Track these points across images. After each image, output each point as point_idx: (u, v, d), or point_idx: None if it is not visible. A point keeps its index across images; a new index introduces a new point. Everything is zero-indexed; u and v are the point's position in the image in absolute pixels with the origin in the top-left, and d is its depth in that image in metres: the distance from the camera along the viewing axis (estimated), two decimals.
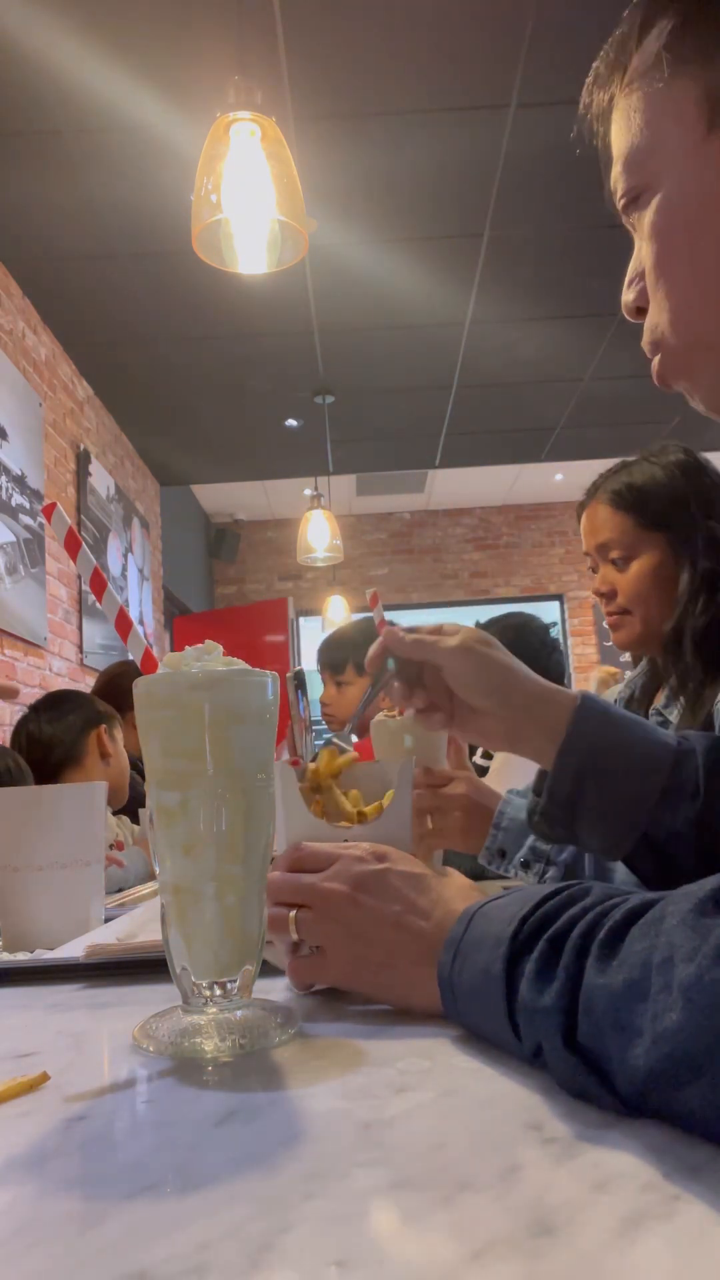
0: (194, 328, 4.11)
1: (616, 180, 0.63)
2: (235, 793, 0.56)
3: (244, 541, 8.23)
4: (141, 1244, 0.32)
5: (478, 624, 3.25)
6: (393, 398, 4.98)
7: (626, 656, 1.69)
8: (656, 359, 0.64)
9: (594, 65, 0.64)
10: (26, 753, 1.93)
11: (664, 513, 1.30)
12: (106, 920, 0.95)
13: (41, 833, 0.91)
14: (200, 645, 0.60)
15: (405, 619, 2.75)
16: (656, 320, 0.62)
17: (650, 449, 1.37)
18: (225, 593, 8.31)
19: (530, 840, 0.99)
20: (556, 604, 8.31)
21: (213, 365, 4.49)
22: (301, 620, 8.29)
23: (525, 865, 0.99)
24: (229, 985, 0.56)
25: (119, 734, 2.13)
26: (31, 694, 3.65)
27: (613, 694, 1.52)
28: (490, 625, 3.18)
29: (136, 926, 0.90)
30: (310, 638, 8.20)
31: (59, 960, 0.78)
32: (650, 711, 1.36)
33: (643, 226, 0.62)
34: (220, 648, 0.60)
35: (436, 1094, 0.45)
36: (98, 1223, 0.34)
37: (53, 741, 2.00)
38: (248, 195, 1.84)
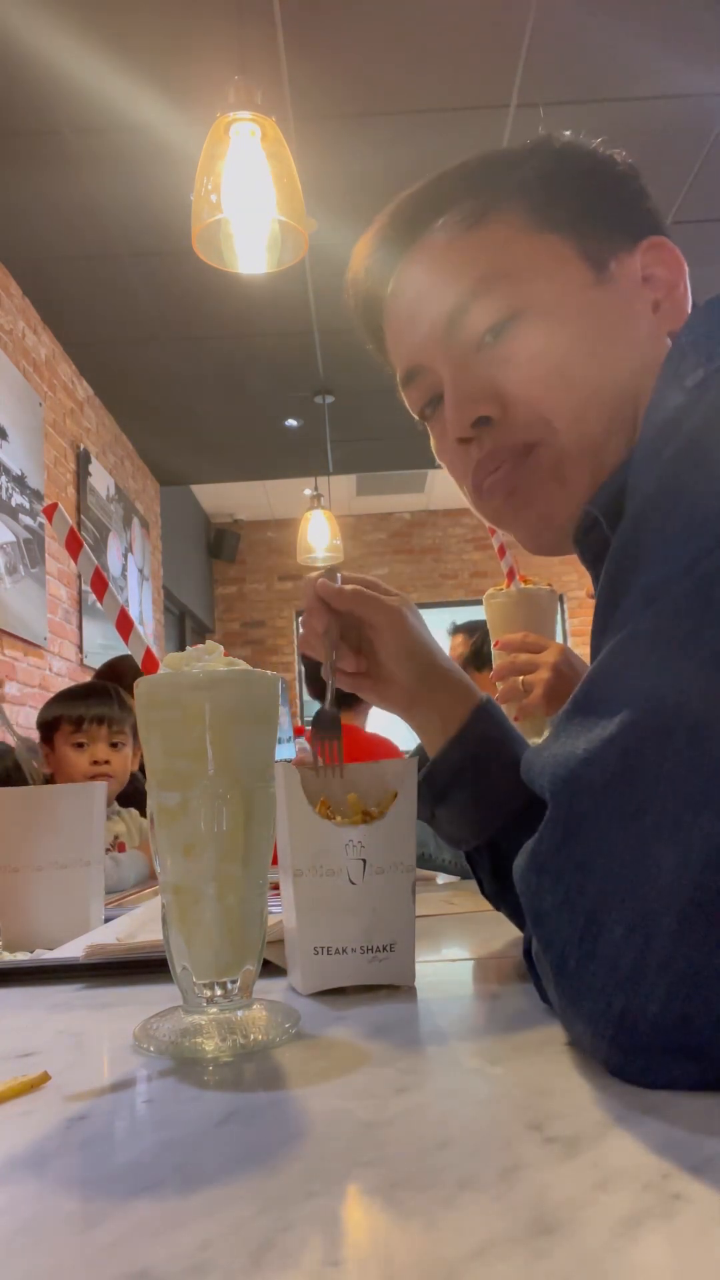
0: (194, 328, 4.11)
1: (465, 306, 0.68)
2: (236, 793, 0.56)
3: (244, 541, 8.23)
4: (142, 1243, 0.32)
5: (454, 626, 3.24)
6: (393, 398, 4.93)
7: None
8: (517, 466, 0.69)
9: (390, 213, 0.75)
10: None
11: None
12: (106, 920, 0.95)
13: (41, 833, 0.91)
14: (201, 645, 0.60)
15: None
16: (542, 418, 0.66)
17: None
18: (225, 593, 8.31)
19: None
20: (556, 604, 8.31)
21: (213, 365, 4.49)
22: (301, 620, 8.29)
23: None
24: (229, 985, 0.56)
25: None
26: (32, 694, 3.65)
27: None
28: (467, 629, 3.17)
29: (136, 926, 0.90)
30: None
31: (59, 960, 0.78)
32: None
33: (511, 343, 0.67)
34: (221, 648, 0.60)
35: (436, 1094, 0.45)
36: (98, 1223, 0.34)
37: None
38: (248, 195, 1.84)
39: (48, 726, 1.94)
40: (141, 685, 0.57)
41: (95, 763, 1.92)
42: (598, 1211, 0.32)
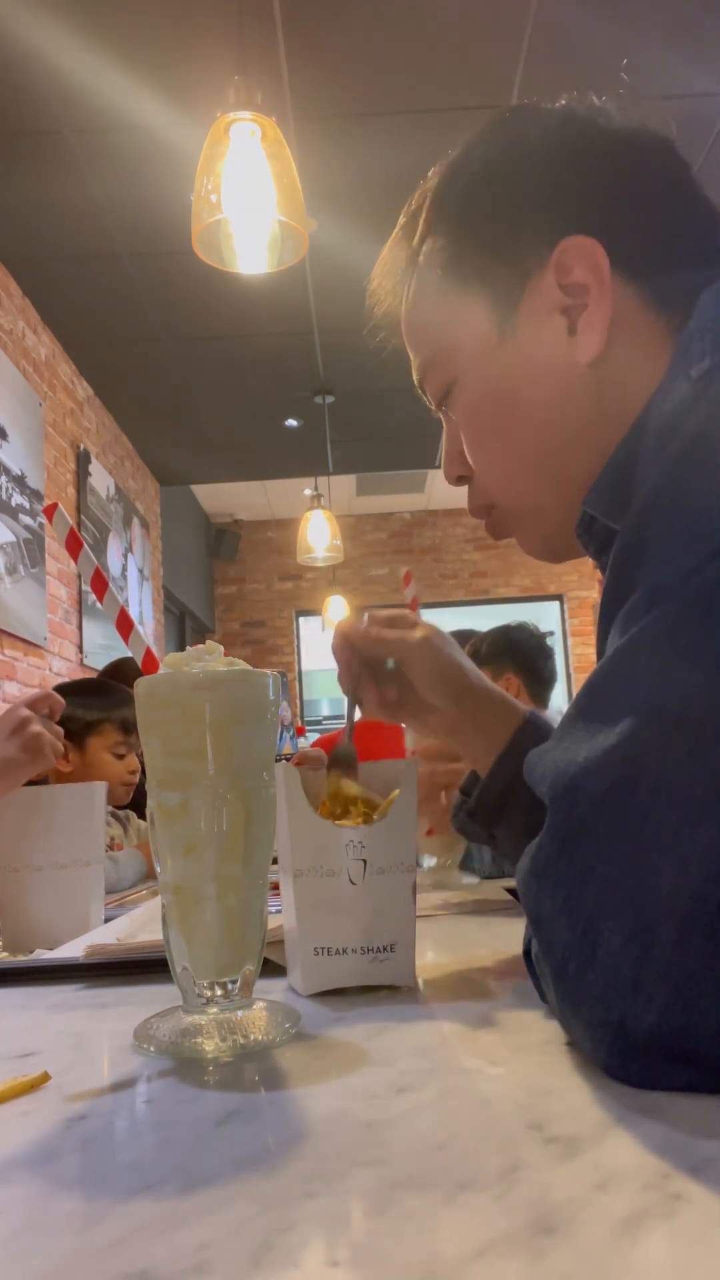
0: (194, 328, 4.11)
1: (423, 380, 0.73)
2: (236, 793, 0.56)
3: (244, 541, 8.23)
4: (142, 1244, 0.32)
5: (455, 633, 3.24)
6: (393, 398, 4.98)
7: None
8: (487, 520, 0.73)
9: (375, 275, 0.75)
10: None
11: None
12: (106, 920, 0.95)
13: (41, 833, 0.91)
14: (201, 645, 0.60)
15: None
16: (485, 487, 0.71)
17: None
18: (225, 593, 8.31)
19: None
20: (556, 604, 8.31)
21: (213, 365, 4.49)
22: (301, 620, 8.29)
23: None
24: (229, 985, 0.56)
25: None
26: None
27: None
28: (457, 636, 3.16)
29: (136, 926, 0.90)
30: (310, 638, 8.20)
31: (59, 960, 0.78)
32: None
33: (456, 414, 0.70)
34: (221, 648, 0.60)
35: (436, 1094, 0.45)
36: (98, 1223, 0.34)
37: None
38: (248, 195, 1.84)
39: (87, 726, 1.80)
40: (141, 685, 0.57)
41: (131, 772, 1.81)
42: (598, 1211, 0.32)
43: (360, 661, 0.82)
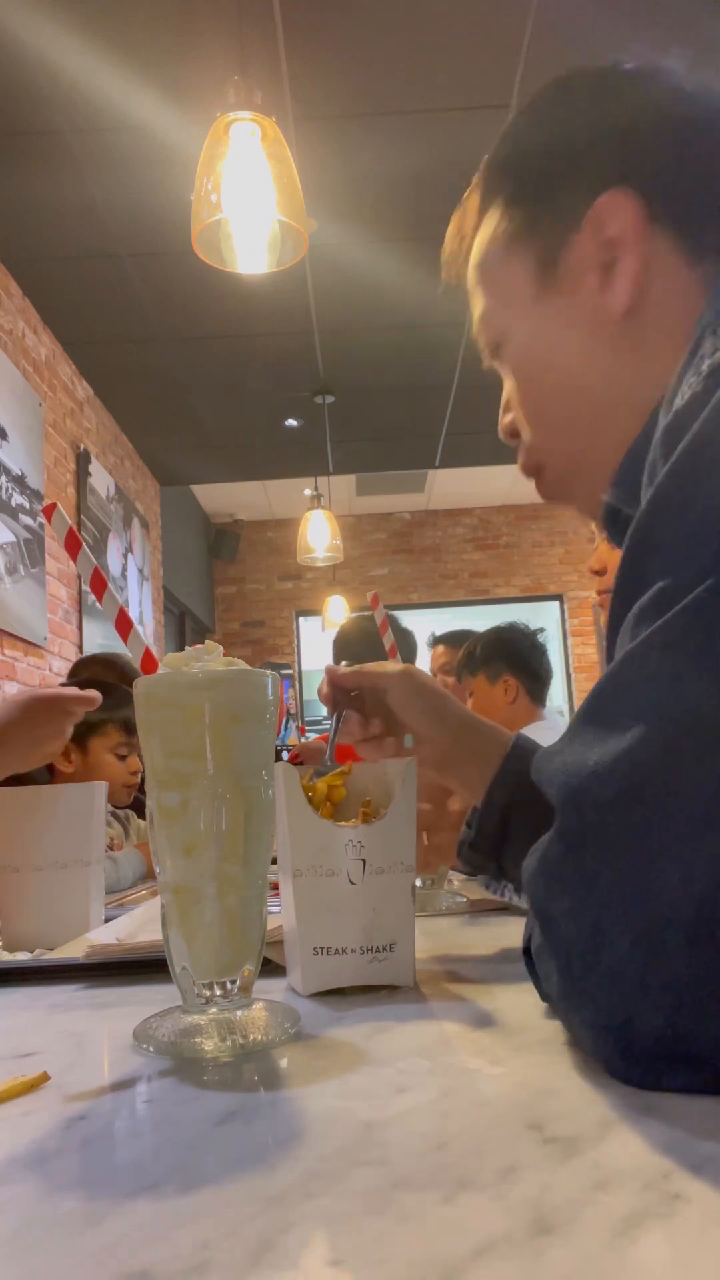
0: (194, 328, 4.11)
1: (478, 334, 0.74)
2: (236, 793, 0.56)
3: (244, 541, 8.23)
4: (142, 1244, 0.32)
5: (434, 637, 3.23)
6: (393, 398, 4.98)
7: None
8: (538, 481, 0.74)
9: (447, 238, 0.75)
10: None
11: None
12: (106, 920, 0.95)
13: (41, 833, 0.91)
14: (200, 645, 0.60)
15: (406, 619, 2.75)
16: (533, 445, 0.72)
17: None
18: (225, 593, 8.31)
19: None
20: (556, 604, 8.31)
21: (213, 365, 4.49)
22: (301, 620, 8.29)
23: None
24: (229, 985, 0.56)
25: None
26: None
27: None
28: (448, 638, 3.15)
29: (136, 926, 0.90)
30: (310, 638, 8.20)
31: (59, 960, 0.78)
32: None
33: (506, 369, 0.72)
34: (220, 648, 0.60)
35: (436, 1094, 0.45)
36: (98, 1223, 0.34)
37: None
38: (248, 195, 1.84)
39: (89, 727, 1.76)
40: (140, 685, 0.57)
41: (133, 773, 1.79)
42: (598, 1211, 0.32)
43: (344, 698, 0.85)
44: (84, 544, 0.62)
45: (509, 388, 0.73)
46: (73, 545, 0.62)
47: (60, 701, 1.08)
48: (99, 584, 0.61)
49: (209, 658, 0.58)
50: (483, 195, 0.71)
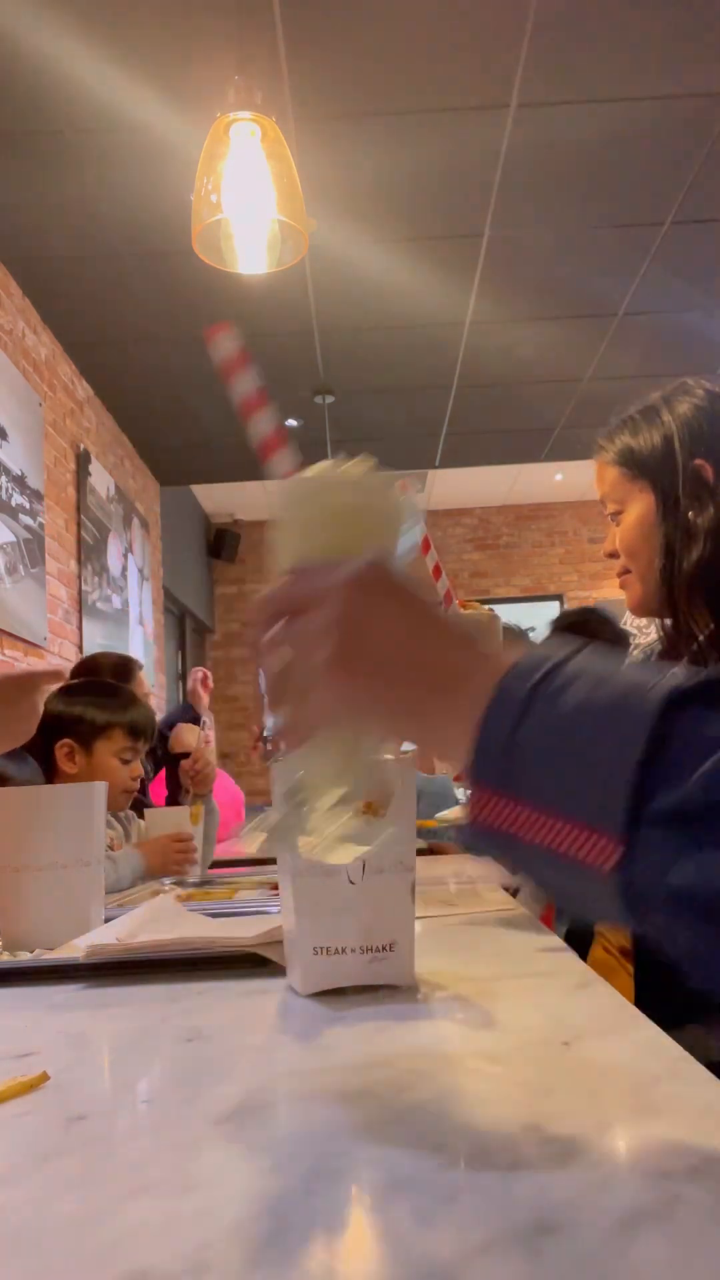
0: (194, 328, 4.11)
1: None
2: None
3: (244, 541, 8.22)
4: (141, 1243, 0.32)
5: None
6: (393, 398, 4.98)
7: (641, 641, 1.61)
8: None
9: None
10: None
11: (648, 458, 1.19)
12: (106, 920, 0.95)
13: (41, 833, 0.91)
14: (338, 457, 0.59)
15: None
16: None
17: (667, 388, 1.25)
18: (225, 593, 8.30)
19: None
20: (556, 604, 8.31)
21: (213, 365, 4.47)
22: None
23: None
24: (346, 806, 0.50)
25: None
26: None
27: None
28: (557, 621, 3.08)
29: (136, 926, 0.90)
30: None
31: (59, 960, 0.78)
32: None
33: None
34: (374, 459, 0.58)
35: (437, 1094, 0.45)
36: (98, 1223, 0.34)
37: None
38: (248, 195, 1.84)
39: (96, 730, 1.73)
40: (281, 487, 0.57)
41: (133, 778, 1.76)
42: (597, 1211, 0.32)
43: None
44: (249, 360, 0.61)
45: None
46: (238, 364, 0.63)
47: (29, 679, 1.09)
48: (256, 403, 0.62)
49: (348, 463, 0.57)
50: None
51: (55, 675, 1.11)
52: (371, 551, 0.48)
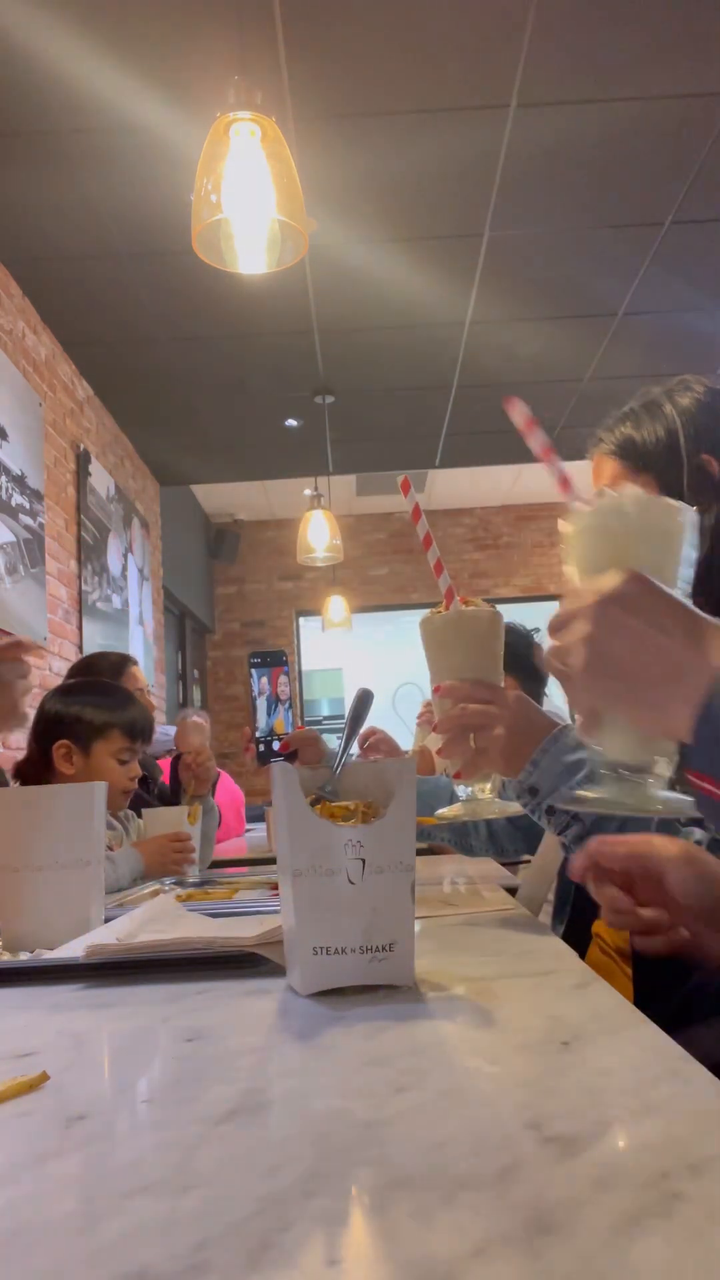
0: (194, 328, 4.11)
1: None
2: None
3: (244, 541, 8.22)
4: (141, 1243, 0.32)
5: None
6: (393, 398, 4.98)
7: None
8: None
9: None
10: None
11: (651, 450, 1.18)
12: (106, 920, 0.95)
13: (41, 833, 0.91)
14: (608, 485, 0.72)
15: (406, 619, 2.74)
16: None
17: (668, 384, 1.24)
18: (225, 593, 8.30)
19: (565, 787, 0.94)
20: (556, 604, 8.30)
21: (213, 365, 4.49)
22: (301, 620, 8.29)
23: (551, 812, 0.95)
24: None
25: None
26: (31, 694, 3.65)
27: None
28: None
29: (136, 926, 0.90)
30: (310, 638, 8.20)
31: (59, 960, 0.78)
32: None
33: None
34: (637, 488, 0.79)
35: (436, 1094, 0.45)
36: (98, 1222, 0.34)
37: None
38: (248, 195, 1.83)
39: (94, 730, 1.73)
40: (579, 514, 0.73)
41: (131, 778, 1.75)
42: (597, 1211, 0.32)
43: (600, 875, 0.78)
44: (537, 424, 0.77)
45: None
46: (531, 426, 0.77)
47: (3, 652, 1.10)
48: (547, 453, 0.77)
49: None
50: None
51: (30, 647, 1.11)
52: (622, 571, 0.64)
